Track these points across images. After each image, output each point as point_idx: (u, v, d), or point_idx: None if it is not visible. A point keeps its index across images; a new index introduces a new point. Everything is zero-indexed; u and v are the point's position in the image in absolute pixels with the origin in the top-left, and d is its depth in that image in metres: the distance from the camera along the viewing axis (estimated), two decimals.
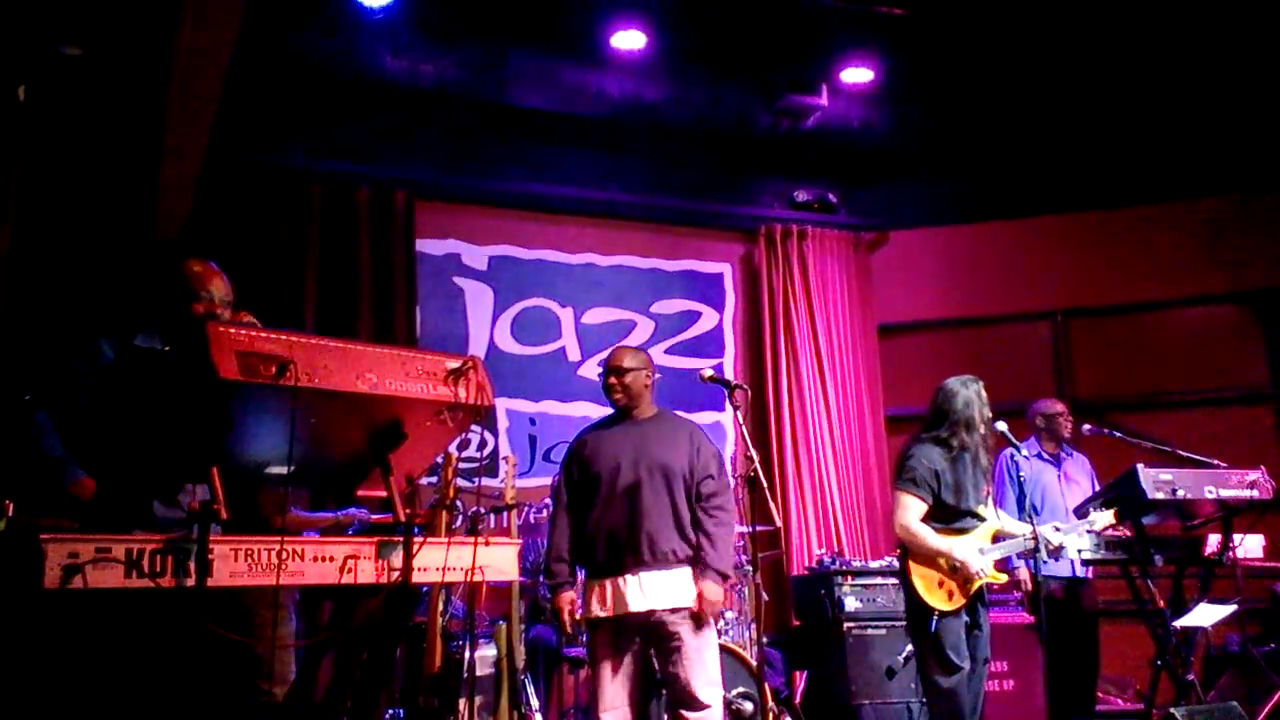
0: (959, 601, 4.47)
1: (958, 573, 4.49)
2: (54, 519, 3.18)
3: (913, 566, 4.59)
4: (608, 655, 4.15)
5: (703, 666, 4.09)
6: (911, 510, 4.58)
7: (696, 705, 4.06)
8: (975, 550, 4.52)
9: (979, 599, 4.58)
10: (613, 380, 4.33)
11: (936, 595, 4.51)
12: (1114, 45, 6.82)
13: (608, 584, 4.14)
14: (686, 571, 4.13)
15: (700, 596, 4.08)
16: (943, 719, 4.46)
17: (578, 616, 4.30)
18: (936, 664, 4.46)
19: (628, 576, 4.11)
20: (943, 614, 4.46)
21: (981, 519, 4.63)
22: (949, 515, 4.58)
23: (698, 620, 4.09)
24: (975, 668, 4.51)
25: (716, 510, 4.22)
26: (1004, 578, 4.64)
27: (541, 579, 4.41)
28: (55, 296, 5.75)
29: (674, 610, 4.09)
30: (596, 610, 4.16)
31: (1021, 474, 5.16)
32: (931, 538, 4.54)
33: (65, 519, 3.19)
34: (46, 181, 5.94)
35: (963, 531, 4.57)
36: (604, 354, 7.56)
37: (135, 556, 2.42)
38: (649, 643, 4.18)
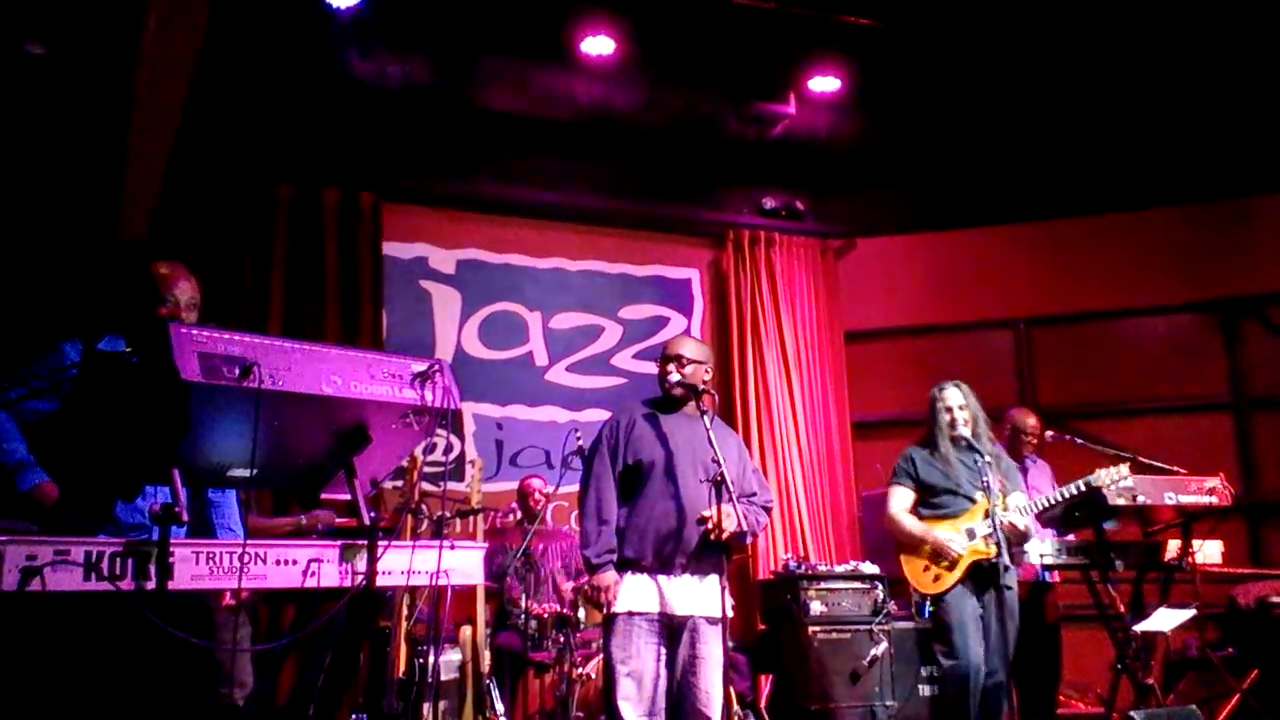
0: (946, 584, 4.59)
1: (940, 556, 4.62)
2: (12, 521, 3.14)
3: (902, 559, 4.77)
4: (639, 653, 3.99)
5: (718, 679, 4.00)
6: (894, 499, 4.81)
7: (706, 717, 3.99)
8: (959, 531, 4.63)
9: (992, 585, 4.54)
10: (671, 367, 4.20)
11: (923, 580, 4.68)
12: (1077, 57, 6.91)
13: (652, 580, 4.03)
14: (718, 580, 4.01)
15: (720, 510, 3.90)
16: (946, 702, 4.56)
17: (615, 609, 4.04)
18: (939, 646, 4.63)
19: (673, 577, 4.03)
20: (935, 597, 4.63)
21: (973, 501, 4.67)
22: (935, 500, 4.73)
23: (721, 632, 4.00)
24: (989, 667, 4.49)
25: (762, 504, 4.26)
26: (993, 550, 4.54)
27: (584, 552, 4.09)
28: (18, 299, 5.67)
29: (710, 620, 4.01)
30: (636, 604, 4.01)
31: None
32: (909, 523, 4.74)
33: (24, 520, 3.15)
34: (7, 182, 5.87)
35: (950, 516, 4.69)
36: (572, 358, 7.65)
37: (94, 559, 2.39)
38: (673, 646, 4.05)
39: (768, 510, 4.33)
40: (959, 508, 4.68)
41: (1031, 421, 6.06)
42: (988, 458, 4.64)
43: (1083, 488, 4.97)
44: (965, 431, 4.72)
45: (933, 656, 4.81)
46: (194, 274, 3.49)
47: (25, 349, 3.40)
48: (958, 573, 4.57)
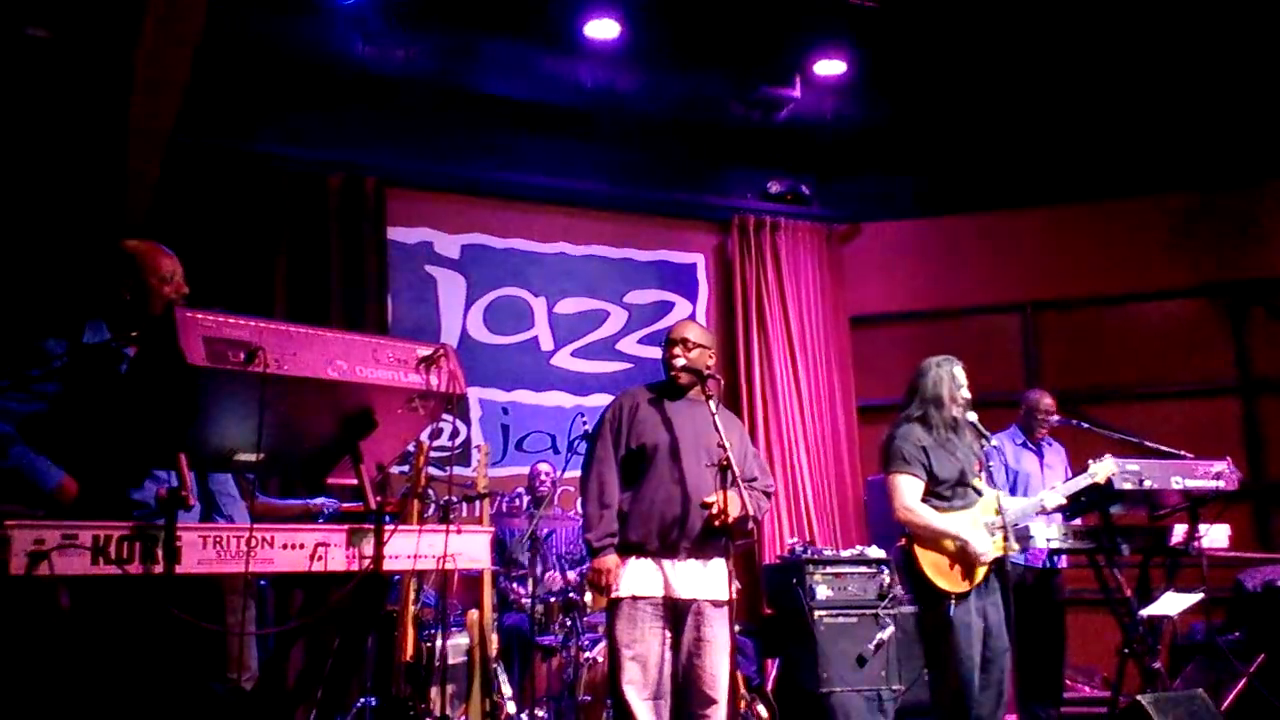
0: (975, 582, 4.35)
1: (965, 553, 4.37)
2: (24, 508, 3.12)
3: (919, 552, 4.42)
4: (644, 637, 4.00)
5: (724, 663, 3.98)
6: (908, 490, 4.44)
7: (713, 701, 3.98)
8: (980, 528, 4.39)
9: (999, 576, 4.42)
10: (676, 351, 4.19)
11: (949, 578, 4.36)
12: (1083, 41, 6.87)
13: (656, 564, 4.03)
14: (722, 564, 4.02)
15: (724, 496, 3.89)
16: (947, 710, 4.30)
17: (614, 594, 4.05)
18: (948, 653, 4.30)
19: (677, 561, 4.02)
20: (959, 597, 4.32)
21: (980, 493, 4.50)
22: (946, 491, 4.47)
23: (727, 615, 3.99)
24: (994, 659, 4.35)
25: (763, 490, 4.25)
26: (1017, 547, 4.49)
27: (586, 536, 4.09)
28: (9, 292, 5.65)
29: (715, 603, 4.02)
30: (640, 589, 4.01)
31: (1006, 461, 5.18)
32: (934, 517, 4.41)
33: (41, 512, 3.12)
34: (7, 168, 5.85)
35: (961, 509, 4.46)
36: (577, 343, 7.65)
37: (102, 543, 2.39)
38: (678, 630, 4.05)
39: (769, 496, 4.32)
40: (969, 500, 4.49)
41: (1048, 402, 6.03)
42: (995, 442, 4.58)
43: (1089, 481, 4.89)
44: (971, 414, 4.56)
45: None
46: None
47: (18, 339, 3.36)
48: (983, 571, 4.38)
